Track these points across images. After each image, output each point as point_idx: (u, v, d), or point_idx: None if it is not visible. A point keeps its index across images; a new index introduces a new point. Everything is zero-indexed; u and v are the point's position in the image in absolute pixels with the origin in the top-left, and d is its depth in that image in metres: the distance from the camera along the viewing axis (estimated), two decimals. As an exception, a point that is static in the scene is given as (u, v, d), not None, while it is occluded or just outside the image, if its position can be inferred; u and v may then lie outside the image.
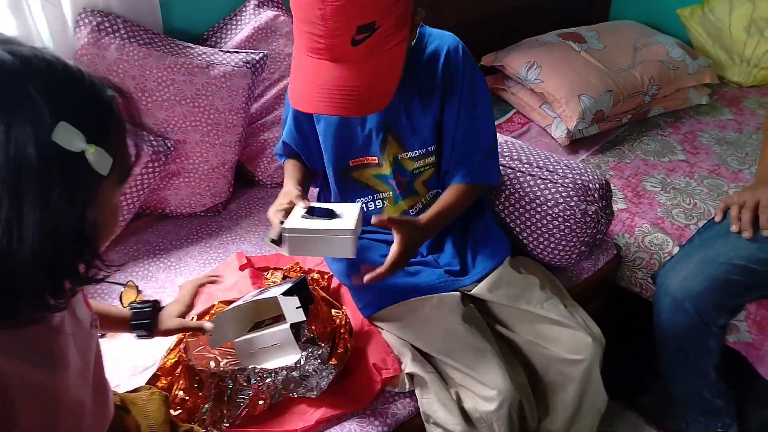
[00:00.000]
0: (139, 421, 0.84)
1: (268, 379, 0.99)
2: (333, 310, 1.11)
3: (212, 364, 1.01)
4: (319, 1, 0.87)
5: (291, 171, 1.21)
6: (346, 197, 1.22)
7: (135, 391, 0.91)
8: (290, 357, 1.01)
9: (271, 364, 1.01)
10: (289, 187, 1.12)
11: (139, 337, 0.95)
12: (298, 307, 0.99)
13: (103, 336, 1.10)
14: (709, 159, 1.76)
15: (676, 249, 1.44)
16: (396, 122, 1.14)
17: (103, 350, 0.77)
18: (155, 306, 0.97)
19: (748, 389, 1.61)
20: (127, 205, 1.39)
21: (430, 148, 1.18)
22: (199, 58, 1.44)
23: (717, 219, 1.32)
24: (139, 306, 0.96)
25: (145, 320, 0.94)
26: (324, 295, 1.14)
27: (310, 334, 1.01)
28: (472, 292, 1.17)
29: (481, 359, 1.05)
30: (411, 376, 1.08)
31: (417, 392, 1.08)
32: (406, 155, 1.18)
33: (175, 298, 1.03)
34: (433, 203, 1.16)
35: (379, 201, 1.23)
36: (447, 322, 1.09)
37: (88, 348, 0.71)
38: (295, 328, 1.02)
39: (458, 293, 1.15)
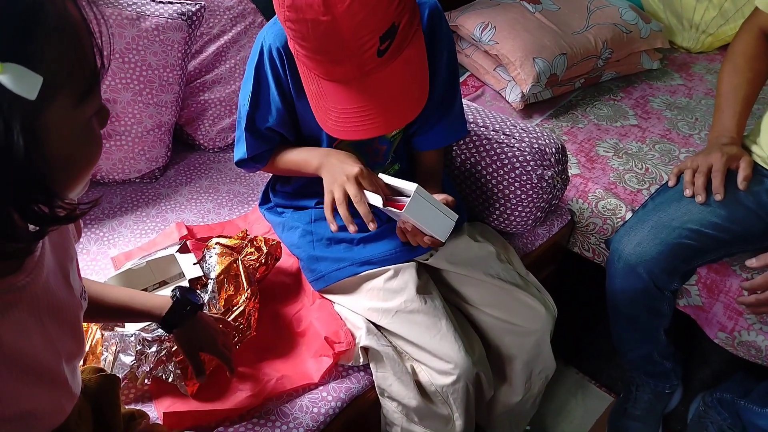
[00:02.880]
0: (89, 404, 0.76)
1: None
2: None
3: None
4: (333, 28, 0.78)
5: (304, 149, 1.10)
6: None
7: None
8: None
9: None
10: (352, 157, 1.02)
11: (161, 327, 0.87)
12: (195, 263, 0.97)
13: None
14: (660, 124, 1.76)
15: (629, 214, 1.44)
16: None
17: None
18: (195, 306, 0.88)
19: (692, 350, 1.66)
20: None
21: None
22: (129, 9, 1.30)
23: (671, 183, 1.31)
24: (182, 299, 0.87)
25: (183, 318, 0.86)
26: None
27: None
28: (428, 262, 1.13)
29: (436, 333, 1.01)
30: (365, 349, 1.04)
31: (372, 366, 1.03)
32: None
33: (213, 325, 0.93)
34: (425, 170, 1.15)
35: None
36: (401, 295, 1.04)
37: (73, 317, 0.63)
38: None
39: (414, 264, 1.10)
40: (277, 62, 0.98)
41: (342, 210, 0.96)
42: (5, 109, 0.41)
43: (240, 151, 1.09)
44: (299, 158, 1.08)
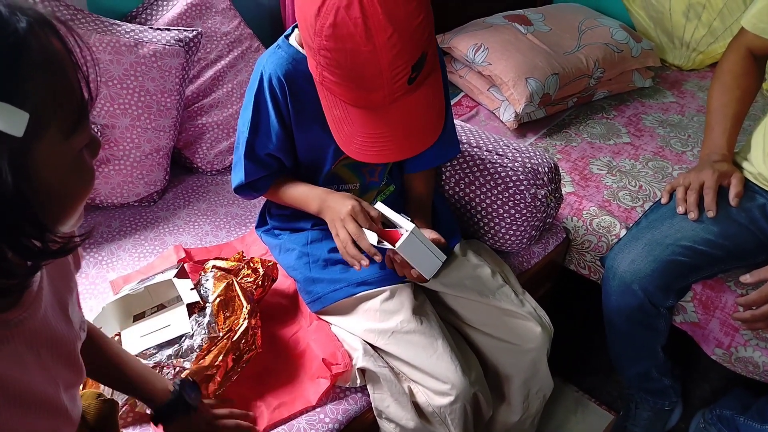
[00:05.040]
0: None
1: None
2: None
3: None
4: (373, 58, 0.80)
5: (302, 183, 1.12)
6: (313, 183, 1.14)
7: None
8: (181, 327, 0.98)
9: (158, 338, 0.97)
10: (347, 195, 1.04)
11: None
12: (192, 288, 0.99)
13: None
14: (653, 141, 1.78)
15: (624, 231, 1.45)
16: None
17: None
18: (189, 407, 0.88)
19: (691, 367, 1.66)
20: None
21: None
22: (127, 36, 1.33)
23: (663, 201, 1.32)
24: (179, 397, 0.87)
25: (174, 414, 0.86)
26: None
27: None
28: (424, 283, 1.13)
29: (432, 353, 1.02)
30: (363, 371, 1.04)
31: (369, 387, 1.03)
32: None
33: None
34: (415, 198, 1.18)
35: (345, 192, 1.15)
36: (398, 316, 1.05)
37: (71, 349, 0.63)
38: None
39: (410, 285, 1.11)
40: (277, 90, 1.00)
41: (351, 251, 0.98)
42: None
43: (238, 177, 1.09)
44: (299, 196, 1.10)
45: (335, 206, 1.01)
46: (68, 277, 0.66)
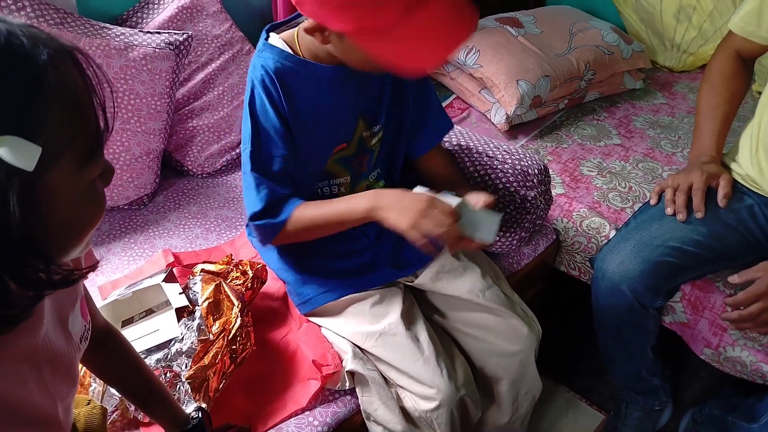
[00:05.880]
0: None
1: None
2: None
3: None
4: None
5: (332, 201, 1.02)
6: (303, 184, 1.09)
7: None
8: (170, 331, 0.98)
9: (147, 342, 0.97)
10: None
11: None
12: (180, 293, 0.98)
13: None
14: (643, 143, 1.79)
15: (613, 232, 1.45)
16: (366, 97, 1.07)
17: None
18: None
19: (681, 367, 1.67)
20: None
21: (382, 121, 1.11)
22: (117, 40, 1.33)
23: (652, 202, 1.33)
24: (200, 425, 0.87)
25: None
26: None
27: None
28: (414, 283, 1.14)
29: (419, 357, 1.02)
30: (351, 373, 1.04)
31: (357, 390, 1.04)
32: (369, 132, 1.09)
33: None
34: (445, 177, 1.16)
35: (335, 187, 1.12)
36: (386, 319, 1.05)
37: (70, 362, 0.63)
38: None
39: (400, 289, 1.11)
40: (271, 89, 0.97)
41: (456, 233, 0.93)
42: (2, 180, 0.41)
43: (254, 201, 0.97)
44: (335, 210, 0.99)
45: (403, 201, 0.95)
46: (72, 288, 0.65)
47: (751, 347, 1.25)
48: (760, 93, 1.28)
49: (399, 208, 0.94)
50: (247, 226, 1.30)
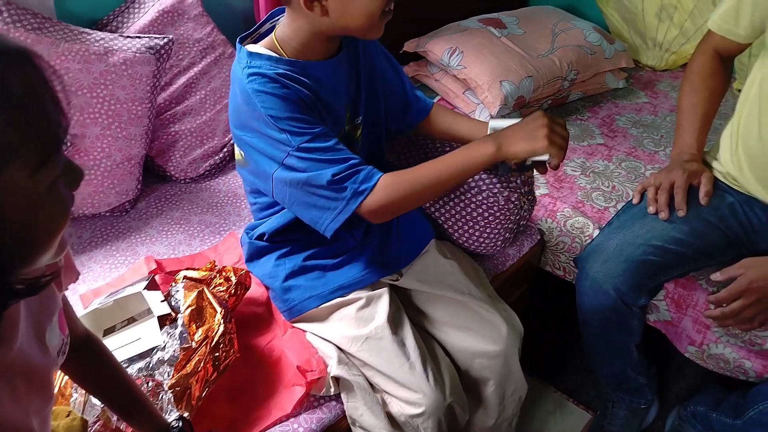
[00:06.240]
0: None
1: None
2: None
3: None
4: None
5: (435, 160, 1.00)
6: None
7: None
8: (152, 340, 0.97)
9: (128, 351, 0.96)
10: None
11: None
12: (162, 300, 0.97)
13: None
14: (626, 142, 1.80)
15: (597, 232, 1.46)
16: (349, 89, 1.07)
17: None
18: None
19: (666, 365, 1.68)
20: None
21: (362, 115, 1.10)
22: (96, 45, 1.32)
23: (635, 201, 1.34)
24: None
25: None
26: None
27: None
28: (398, 283, 1.14)
29: (405, 362, 1.02)
30: (336, 379, 1.04)
31: (343, 396, 1.03)
32: (352, 124, 1.09)
33: None
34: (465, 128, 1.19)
35: None
36: (372, 323, 1.05)
37: (45, 376, 0.62)
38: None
39: (386, 293, 1.10)
40: (276, 87, 0.93)
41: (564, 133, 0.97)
42: None
43: (326, 174, 0.91)
44: (450, 164, 0.96)
45: (523, 129, 0.94)
46: (50, 301, 0.63)
47: (734, 344, 1.26)
48: (740, 91, 1.29)
49: (524, 135, 0.93)
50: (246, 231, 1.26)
